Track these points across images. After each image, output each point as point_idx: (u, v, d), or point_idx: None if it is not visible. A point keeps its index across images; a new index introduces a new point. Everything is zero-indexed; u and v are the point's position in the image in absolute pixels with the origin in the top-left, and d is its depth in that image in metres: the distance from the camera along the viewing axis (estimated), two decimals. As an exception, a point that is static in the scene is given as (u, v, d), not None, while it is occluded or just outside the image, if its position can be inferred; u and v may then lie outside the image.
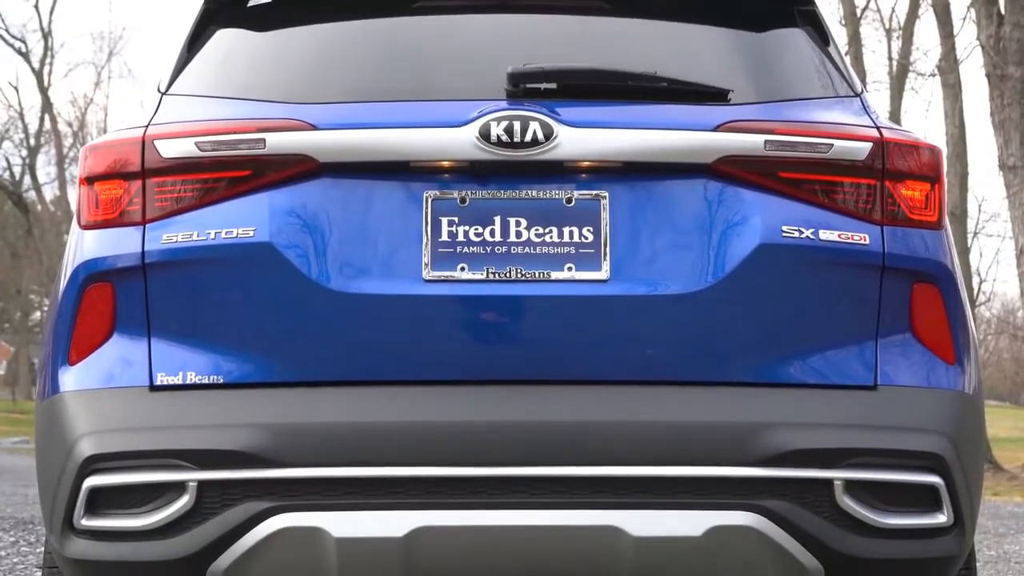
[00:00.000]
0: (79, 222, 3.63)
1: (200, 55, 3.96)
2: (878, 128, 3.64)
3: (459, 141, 3.48)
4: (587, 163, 3.52)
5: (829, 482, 3.42)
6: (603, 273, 3.49)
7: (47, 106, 55.38)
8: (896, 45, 30.56)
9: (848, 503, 3.42)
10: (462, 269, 3.48)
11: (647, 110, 3.62)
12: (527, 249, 3.49)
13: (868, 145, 3.58)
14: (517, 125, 3.47)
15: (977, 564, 4.04)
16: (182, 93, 3.84)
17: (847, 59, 4.04)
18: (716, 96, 3.68)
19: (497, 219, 3.51)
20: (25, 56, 54.78)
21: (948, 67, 25.66)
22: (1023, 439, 37.71)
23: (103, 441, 3.44)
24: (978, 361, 3.77)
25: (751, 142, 3.53)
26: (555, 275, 3.48)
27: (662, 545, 3.38)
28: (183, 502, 3.39)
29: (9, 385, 65.52)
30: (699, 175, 3.55)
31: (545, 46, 3.86)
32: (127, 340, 3.55)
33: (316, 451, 3.37)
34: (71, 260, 3.64)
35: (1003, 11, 18.04)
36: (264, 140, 3.50)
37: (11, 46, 54.49)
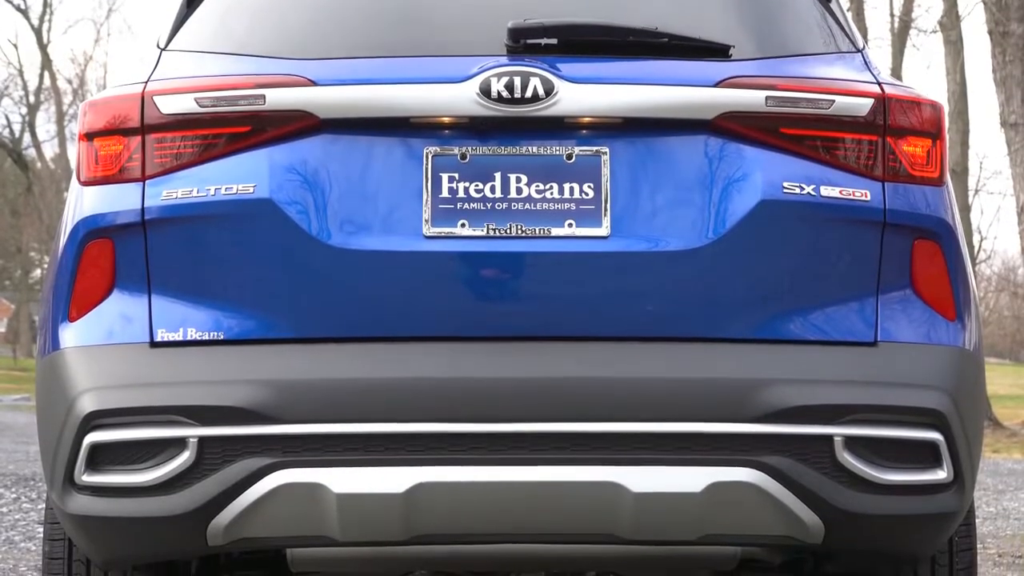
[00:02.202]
0: (79, 178, 3.63)
1: (199, 11, 3.94)
2: (880, 84, 3.63)
3: (459, 97, 3.47)
4: (588, 119, 3.51)
5: (829, 438, 3.42)
6: (603, 229, 3.49)
7: (46, 63, 55.30)
8: (898, 1, 30.45)
9: (848, 459, 3.42)
10: (462, 225, 3.48)
11: (648, 66, 3.61)
12: (527, 205, 3.49)
13: (870, 101, 3.56)
14: (517, 81, 3.46)
15: (976, 520, 4.05)
16: (181, 49, 3.83)
17: (849, 15, 4.03)
18: (717, 52, 3.67)
19: (497, 175, 3.50)
20: (24, 13, 54.67)
21: (950, 23, 25.60)
22: (1023, 396, 37.77)
23: (104, 397, 3.45)
24: (979, 318, 3.77)
25: (752, 98, 3.52)
26: (555, 231, 3.48)
27: (662, 501, 3.39)
28: (184, 458, 3.40)
29: (10, 343, 65.57)
30: (700, 131, 3.54)
31: (546, 1, 3.84)
32: (127, 296, 3.54)
33: (317, 407, 3.38)
34: (71, 217, 3.63)
35: (1006, -33, 17.97)
36: (264, 96, 3.49)
37: (10, 2, 54.34)
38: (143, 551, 3.59)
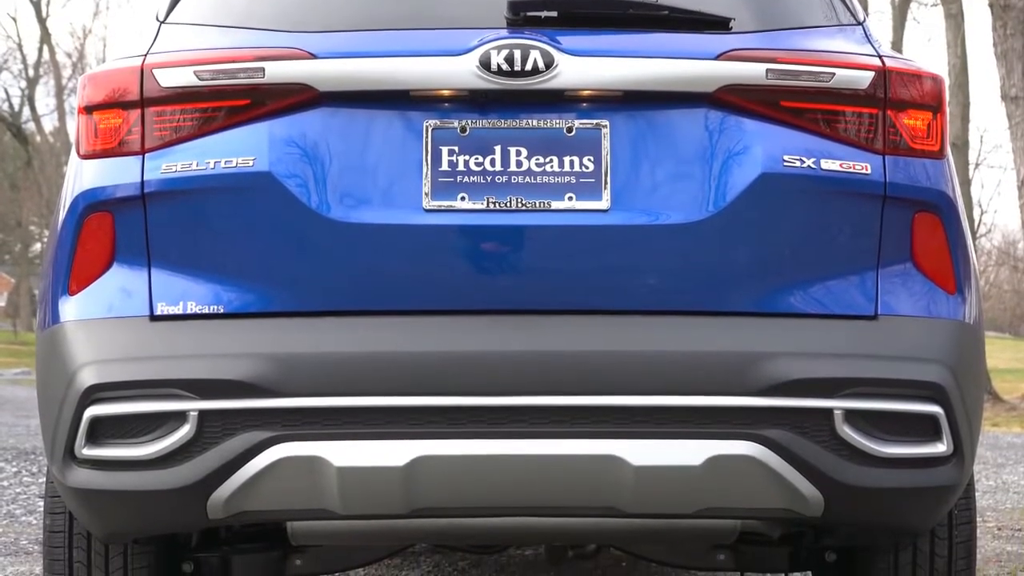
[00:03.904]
0: (78, 152, 3.62)
1: (198, -17, 3.92)
2: (880, 57, 3.62)
3: (459, 70, 3.47)
4: (588, 92, 3.50)
5: (829, 411, 3.42)
6: (603, 203, 3.48)
7: (45, 37, 55.18)
8: (899, -26, 30.38)
9: (848, 432, 3.42)
10: (462, 199, 3.47)
11: (648, 39, 3.60)
12: (527, 179, 3.48)
13: (870, 74, 3.56)
14: (517, 54, 3.45)
15: (976, 494, 4.05)
16: (181, 22, 3.82)
17: (850, -13, 4.01)
18: (718, 24, 3.66)
19: (497, 148, 3.50)
20: (23, -14, 54.48)
21: (951, -3, 25.52)
22: (1023, 370, 37.80)
23: (104, 371, 3.45)
24: (979, 291, 3.76)
25: (753, 71, 3.51)
26: (555, 205, 3.47)
27: (662, 474, 3.39)
28: (184, 432, 3.40)
29: (10, 317, 65.61)
30: (700, 104, 3.53)
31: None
32: (127, 270, 3.54)
33: (317, 381, 3.38)
34: (70, 190, 3.63)
35: (1007, -60, 17.91)
36: (263, 69, 3.49)
37: (9, -24, 54.13)
38: (143, 524, 3.60)
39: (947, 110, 3.72)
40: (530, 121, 3.50)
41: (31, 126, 56.26)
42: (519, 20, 3.56)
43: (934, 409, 3.48)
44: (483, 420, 3.38)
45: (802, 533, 4.01)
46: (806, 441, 3.41)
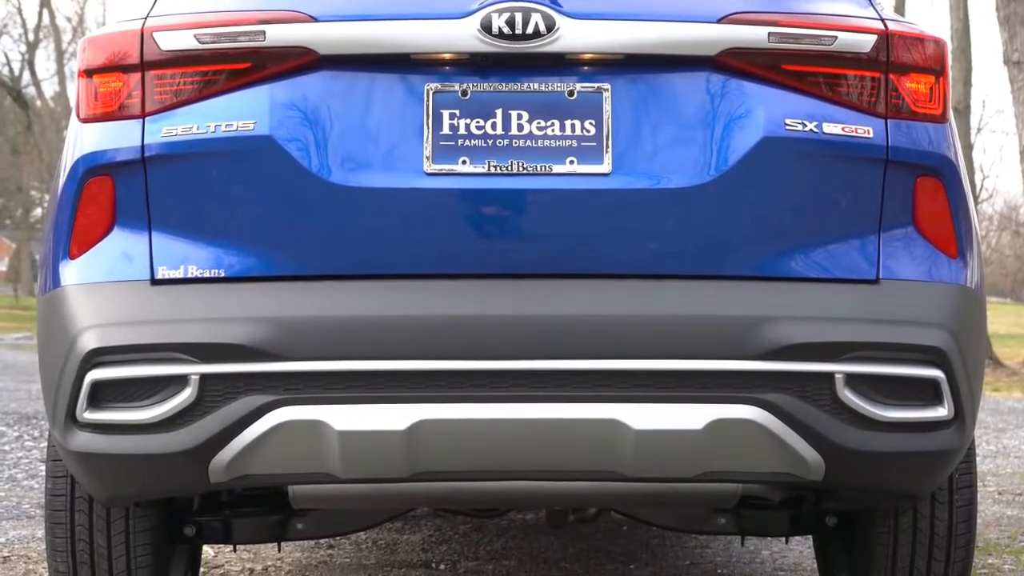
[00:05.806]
0: (78, 115, 3.61)
1: (199, -54, 3.90)
2: (883, 20, 3.61)
3: (460, 33, 3.46)
4: (589, 55, 3.49)
5: (830, 375, 3.42)
6: (605, 166, 3.48)
7: (45, 1, 55.03)
8: (901, -62, 30.25)
9: (849, 396, 3.42)
10: (463, 162, 3.47)
11: (650, 2, 3.59)
12: (529, 142, 3.48)
13: (873, 37, 3.55)
14: (519, 17, 3.44)
15: (977, 458, 4.06)
16: (181, -15, 3.80)
17: (852, -50, 3.99)
18: (720, -13, 3.64)
19: (499, 112, 3.49)
20: (23, -50, 54.33)
21: (953, -40, 25.44)
22: (1023, 335, 37.81)
23: (105, 334, 3.45)
24: (980, 256, 3.76)
25: (755, 34, 3.50)
26: (557, 168, 3.47)
27: (663, 438, 3.39)
28: (185, 395, 3.40)
29: (11, 281, 65.61)
30: (702, 68, 3.52)
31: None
32: (128, 234, 3.54)
33: (318, 345, 3.37)
34: (71, 154, 3.62)
35: (1010, -98, 17.84)
36: (264, 32, 3.48)
37: (8, -60, 53.97)
38: (145, 488, 3.60)
39: (949, 74, 3.71)
40: (531, 84, 3.49)
41: (31, 90, 56.18)
42: (520, -18, 3.54)
43: (935, 373, 3.48)
44: (484, 384, 3.38)
45: (803, 497, 4.02)
46: (807, 405, 3.41)
